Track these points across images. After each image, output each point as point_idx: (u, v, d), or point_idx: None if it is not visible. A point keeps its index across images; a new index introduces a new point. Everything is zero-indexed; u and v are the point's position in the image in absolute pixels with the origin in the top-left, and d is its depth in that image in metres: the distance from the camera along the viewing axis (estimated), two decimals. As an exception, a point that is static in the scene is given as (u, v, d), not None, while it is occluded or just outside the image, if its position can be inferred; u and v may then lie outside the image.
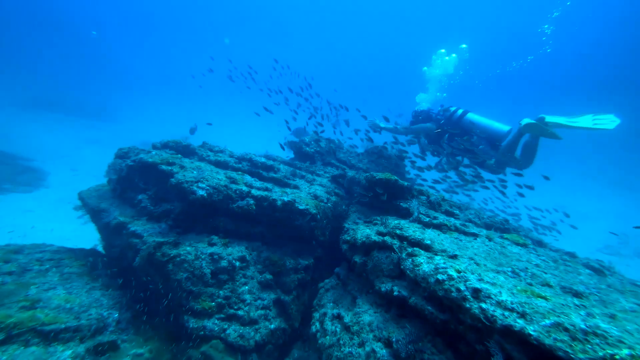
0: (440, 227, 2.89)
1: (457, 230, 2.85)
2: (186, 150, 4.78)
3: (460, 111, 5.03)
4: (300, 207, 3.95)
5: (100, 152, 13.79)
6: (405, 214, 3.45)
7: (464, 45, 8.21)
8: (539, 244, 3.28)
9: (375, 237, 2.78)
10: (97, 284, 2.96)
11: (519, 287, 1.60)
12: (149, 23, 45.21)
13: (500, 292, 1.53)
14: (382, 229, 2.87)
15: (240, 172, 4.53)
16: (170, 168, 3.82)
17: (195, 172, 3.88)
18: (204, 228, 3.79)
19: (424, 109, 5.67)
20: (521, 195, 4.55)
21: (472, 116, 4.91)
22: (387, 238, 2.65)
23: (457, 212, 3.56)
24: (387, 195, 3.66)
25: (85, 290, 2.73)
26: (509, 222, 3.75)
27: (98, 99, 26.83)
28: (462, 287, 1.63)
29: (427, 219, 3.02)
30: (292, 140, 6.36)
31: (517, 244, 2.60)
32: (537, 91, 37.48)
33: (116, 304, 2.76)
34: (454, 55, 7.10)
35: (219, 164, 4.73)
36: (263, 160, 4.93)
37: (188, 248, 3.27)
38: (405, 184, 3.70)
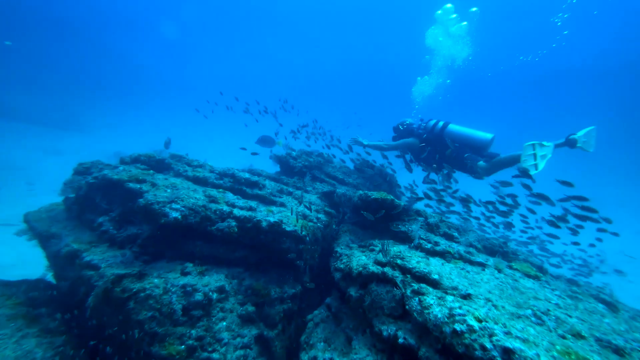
0: (443, 255, 2.63)
1: (461, 258, 2.60)
2: (160, 165, 4.31)
3: (441, 123, 5.02)
4: (288, 229, 3.59)
5: (62, 164, 12.46)
6: (404, 238, 3.18)
7: (474, 9, 6.75)
8: (540, 269, 3.10)
9: (373, 268, 2.46)
10: (34, 329, 2.39)
11: (557, 347, 1.33)
12: (131, 27, 42.83)
13: (537, 355, 1.25)
14: (380, 257, 2.56)
15: (221, 190, 4.12)
16: (139, 186, 3.35)
17: (168, 190, 3.44)
18: (177, 254, 3.32)
19: (405, 124, 5.60)
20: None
21: (454, 127, 4.90)
22: (387, 269, 2.34)
23: (456, 234, 3.34)
24: (383, 216, 3.39)
25: (15, 340, 2.17)
26: (507, 244, 3.58)
27: (68, 108, 24.45)
28: (488, 345, 1.34)
29: (429, 245, 2.76)
30: (278, 154, 6.04)
31: (529, 276, 2.38)
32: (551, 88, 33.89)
33: (56, 356, 2.21)
34: (464, 23, 6.34)
35: (198, 181, 4.29)
36: (247, 176, 4.55)
37: (155, 280, 2.79)
38: (402, 204, 3.45)
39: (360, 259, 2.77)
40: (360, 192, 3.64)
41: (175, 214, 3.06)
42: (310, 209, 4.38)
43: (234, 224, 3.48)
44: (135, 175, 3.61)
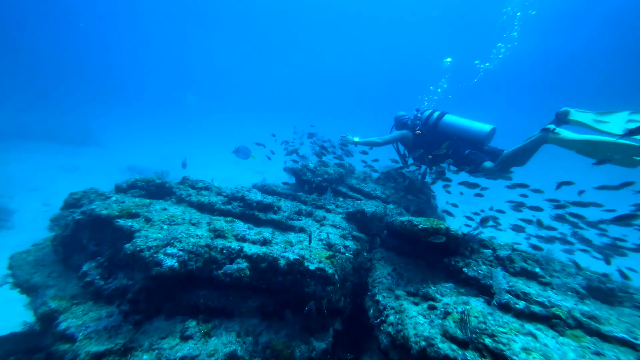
0: (549, 320, 1.77)
1: (580, 326, 1.72)
2: (161, 190, 3.72)
3: (436, 114, 4.54)
4: (312, 267, 2.86)
5: (78, 181, 12.29)
6: (470, 281, 2.34)
7: None
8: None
9: (444, 347, 1.65)
10: None
11: None
12: (153, 37, 43.37)
13: None
14: (451, 326, 1.75)
15: (229, 218, 3.46)
16: (130, 224, 2.74)
17: (165, 227, 2.80)
18: (176, 307, 2.67)
19: (399, 116, 5.22)
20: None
21: (450, 117, 4.40)
22: (471, 356, 1.53)
23: (539, 270, 2.45)
24: (435, 250, 2.56)
25: None
26: (609, 278, 2.64)
27: (83, 122, 24.58)
28: None
29: (522, 304, 1.90)
30: (290, 166, 5.35)
31: None
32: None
33: None
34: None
35: (203, 207, 3.66)
36: (259, 198, 3.86)
37: (145, 357, 2.14)
38: (460, 233, 2.61)
39: (417, 323, 1.96)
40: (404, 218, 2.82)
41: (170, 262, 2.41)
42: (335, 235, 3.63)
43: (244, 265, 2.79)
44: (128, 208, 3.01)
